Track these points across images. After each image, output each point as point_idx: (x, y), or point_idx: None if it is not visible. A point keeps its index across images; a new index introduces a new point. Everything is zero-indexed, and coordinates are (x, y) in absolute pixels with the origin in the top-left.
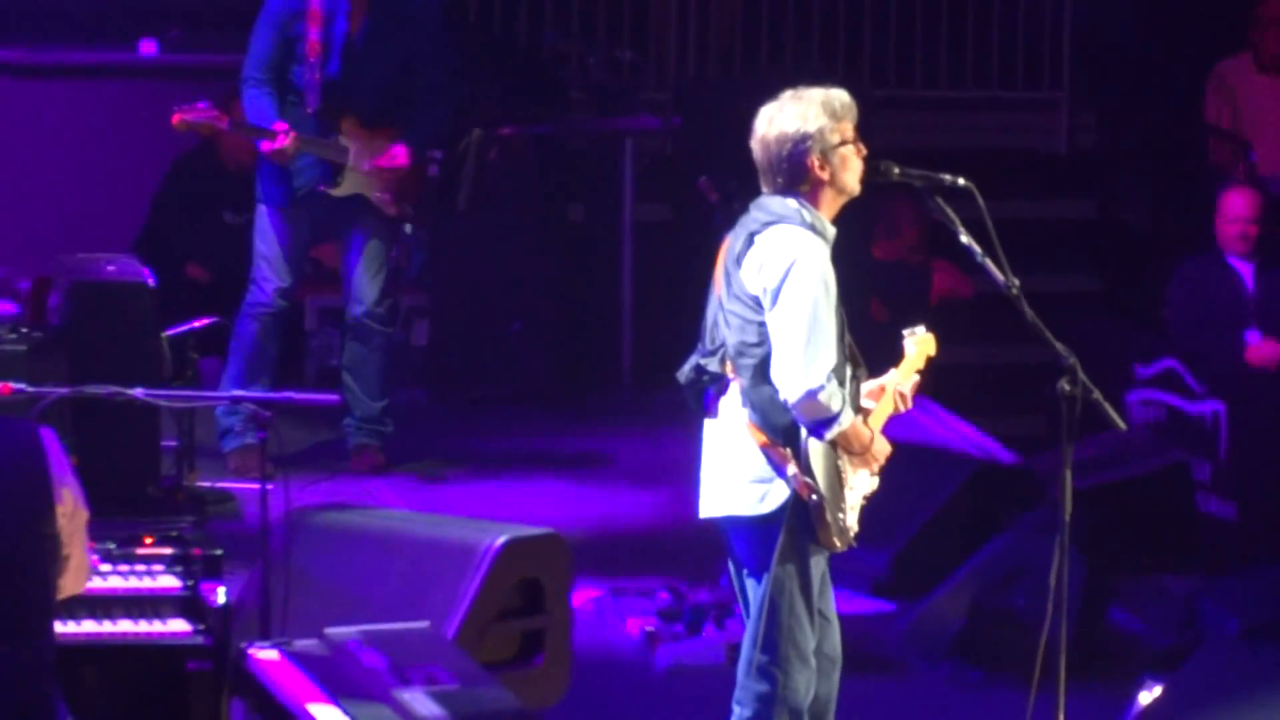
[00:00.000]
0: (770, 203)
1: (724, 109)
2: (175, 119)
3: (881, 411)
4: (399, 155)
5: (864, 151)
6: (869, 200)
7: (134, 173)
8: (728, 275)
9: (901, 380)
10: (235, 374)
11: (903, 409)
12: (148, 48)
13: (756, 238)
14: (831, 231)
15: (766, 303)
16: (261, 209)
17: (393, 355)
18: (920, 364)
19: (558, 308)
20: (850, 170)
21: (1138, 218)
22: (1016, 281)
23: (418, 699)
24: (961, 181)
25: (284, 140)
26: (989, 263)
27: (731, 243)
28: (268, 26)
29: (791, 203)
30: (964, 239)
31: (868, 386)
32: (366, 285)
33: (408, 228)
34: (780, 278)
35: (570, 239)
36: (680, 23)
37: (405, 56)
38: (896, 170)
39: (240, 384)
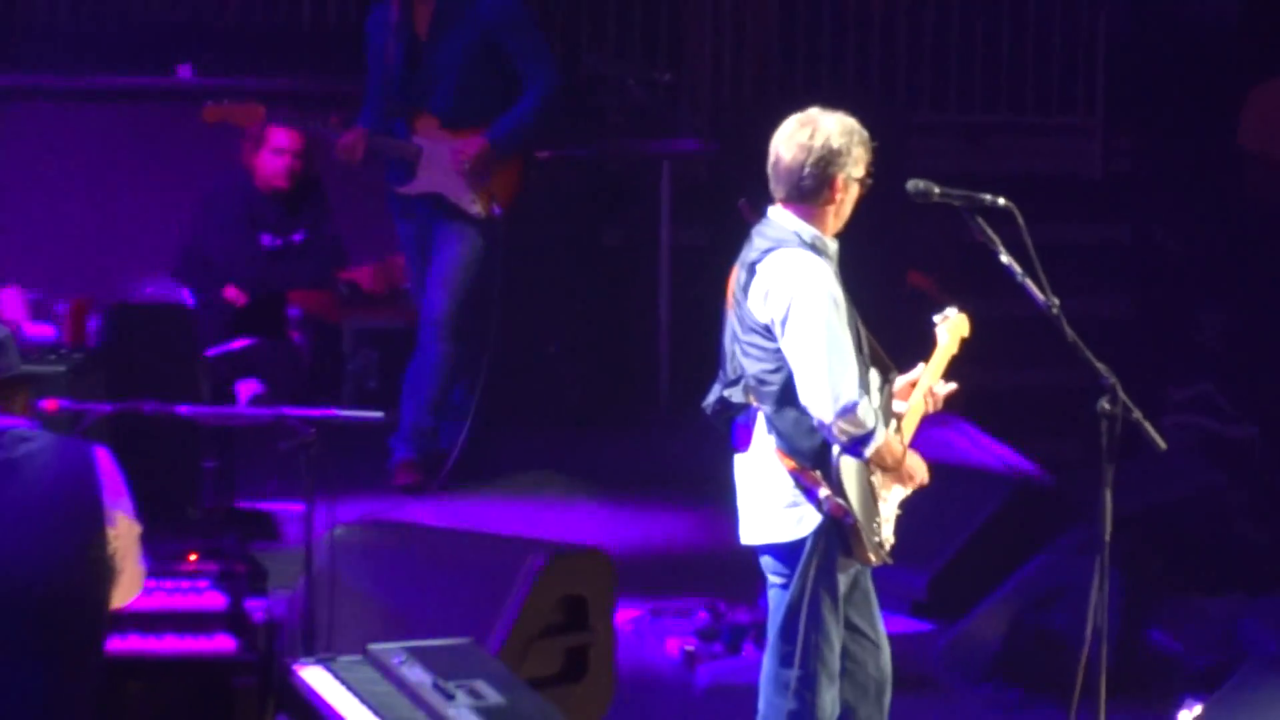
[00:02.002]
0: (768, 229)
1: (761, 131)
2: (207, 111)
3: (913, 414)
4: (467, 147)
5: (865, 190)
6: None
7: (171, 196)
8: (738, 306)
9: (934, 374)
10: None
11: (931, 409)
12: (184, 72)
13: (758, 267)
14: (833, 247)
15: (778, 331)
16: None
17: (455, 376)
18: (955, 349)
19: (595, 330)
20: (850, 205)
21: (1172, 242)
22: (1057, 301)
23: (463, 715)
24: (1002, 201)
25: (346, 136)
26: (1029, 282)
27: (736, 274)
28: (367, 49)
29: (791, 224)
30: (1004, 259)
31: (899, 383)
32: (435, 294)
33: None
34: (787, 305)
35: (607, 262)
36: (716, 45)
37: (482, 55)
38: (937, 190)
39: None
